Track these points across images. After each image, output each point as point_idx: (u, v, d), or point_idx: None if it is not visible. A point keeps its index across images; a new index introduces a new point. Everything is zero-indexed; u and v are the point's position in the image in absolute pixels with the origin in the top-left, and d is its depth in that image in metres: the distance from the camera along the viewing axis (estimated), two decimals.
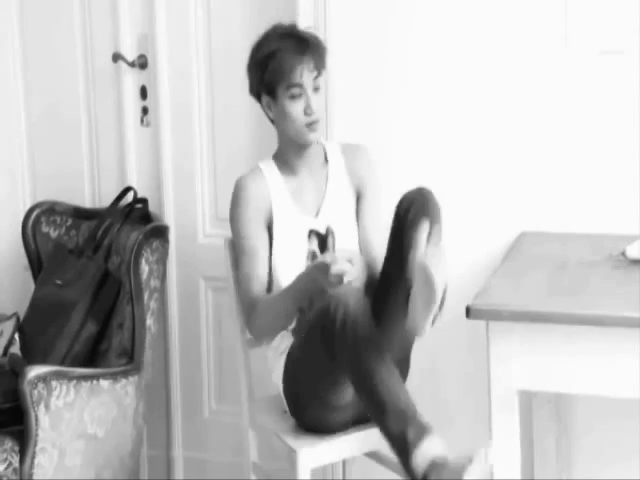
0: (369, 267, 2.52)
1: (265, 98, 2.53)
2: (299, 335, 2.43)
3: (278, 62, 2.46)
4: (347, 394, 2.32)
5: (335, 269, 2.23)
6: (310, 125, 2.47)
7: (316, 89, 2.49)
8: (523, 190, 2.77)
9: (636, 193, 2.61)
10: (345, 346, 2.15)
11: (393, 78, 2.87)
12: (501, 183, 2.78)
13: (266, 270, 2.51)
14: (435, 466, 2.03)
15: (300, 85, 2.46)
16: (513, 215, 2.71)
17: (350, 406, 2.37)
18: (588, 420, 2.74)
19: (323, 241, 2.56)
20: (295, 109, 2.47)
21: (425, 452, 2.05)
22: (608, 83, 2.67)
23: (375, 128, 2.89)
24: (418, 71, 2.84)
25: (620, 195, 2.61)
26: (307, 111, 2.46)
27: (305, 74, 2.46)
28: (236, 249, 2.58)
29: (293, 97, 2.47)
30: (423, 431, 2.07)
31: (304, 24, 2.73)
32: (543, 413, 2.69)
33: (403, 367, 2.44)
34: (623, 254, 2.31)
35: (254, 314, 2.46)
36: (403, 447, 2.08)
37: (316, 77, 2.48)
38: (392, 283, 2.32)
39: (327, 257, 2.31)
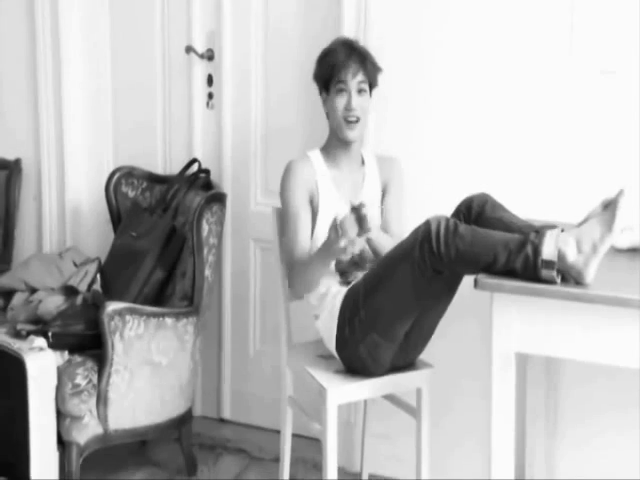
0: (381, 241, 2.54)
1: (323, 94, 2.63)
2: (373, 272, 2.40)
3: (333, 60, 2.57)
4: (405, 324, 2.37)
5: (343, 242, 2.26)
6: (348, 121, 2.55)
7: (360, 91, 2.56)
8: (528, 186, 2.74)
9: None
10: (458, 239, 2.13)
11: (422, 99, 2.85)
12: (507, 181, 2.74)
13: (307, 237, 2.57)
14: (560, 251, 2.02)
15: (345, 82, 2.55)
16: (518, 207, 2.50)
17: (398, 342, 2.41)
18: (572, 379, 2.75)
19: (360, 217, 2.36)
20: (339, 102, 2.56)
21: (550, 238, 2.04)
22: (607, 98, 2.63)
23: (405, 141, 2.88)
24: (441, 93, 2.83)
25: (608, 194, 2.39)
26: (347, 107, 2.55)
27: (351, 75, 2.55)
28: (283, 218, 2.63)
29: (339, 91, 2.56)
30: (542, 234, 2.05)
31: (347, 31, 2.86)
32: (535, 372, 2.70)
33: (431, 330, 2.52)
34: (612, 246, 2.24)
35: (293, 273, 2.53)
36: (532, 251, 2.04)
37: (361, 81, 2.55)
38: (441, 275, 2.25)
39: (342, 221, 2.28)
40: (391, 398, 2.71)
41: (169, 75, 3.33)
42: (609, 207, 2.05)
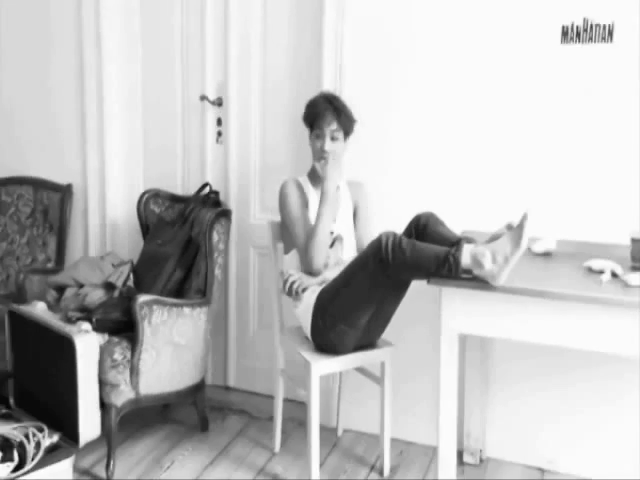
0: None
1: (309, 133, 2.60)
2: (341, 276, 2.35)
3: (313, 111, 2.56)
4: (366, 315, 2.33)
5: (289, 279, 2.41)
6: (320, 159, 2.53)
7: (333, 138, 2.52)
8: (465, 206, 2.69)
9: (540, 203, 2.56)
10: (401, 251, 2.12)
11: (385, 137, 2.81)
12: (448, 202, 2.69)
13: (308, 232, 2.49)
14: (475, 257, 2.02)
15: (321, 129, 2.53)
16: (455, 217, 2.57)
17: (362, 328, 2.37)
18: (502, 354, 2.75)
19: (334, 240, 2.57)
20: (316, 144, 2.56)
21: (466, 251, 2.05)
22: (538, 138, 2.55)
23: (371, 170, 2.84)
24: (401, 134, 2.78)
25: (524, 203, 2.46)
26: (321, 149, 2.52)
27: (326, 124, 2.52)
28: (289, 226, 2.55)
29: (317, 136, 2.55)
30: (460, 248, 2.06)
31: (327, 85, 2.82)
32: (473, 349, 2.69)
33: (388, 318, 2.49)
34: (529, 249, 2.34)
35: (310, 250, 2.44)
36: (453, 262, 2.04)
37: (334, 130, 2.51)
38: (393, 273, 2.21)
39: (286, 273, 2.45)
40: (361, 370, 2.71)
41: (188, 117, 3.31)
42: (515, 228, 2.03)
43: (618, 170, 2.51)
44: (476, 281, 2.07)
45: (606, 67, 2.45)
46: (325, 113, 2.51)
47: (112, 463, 2.59)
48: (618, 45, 2.41)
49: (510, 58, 2.60)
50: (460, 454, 2.68)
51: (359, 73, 2.82)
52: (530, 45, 2.55)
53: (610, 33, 2.39)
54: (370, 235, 2.54)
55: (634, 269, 2.19)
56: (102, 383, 2.55)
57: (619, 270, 2.12)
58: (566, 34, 2.46)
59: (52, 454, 2.26)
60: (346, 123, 2.55)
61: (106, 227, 3.37)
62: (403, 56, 2.74)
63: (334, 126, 2.52)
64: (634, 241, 2.23)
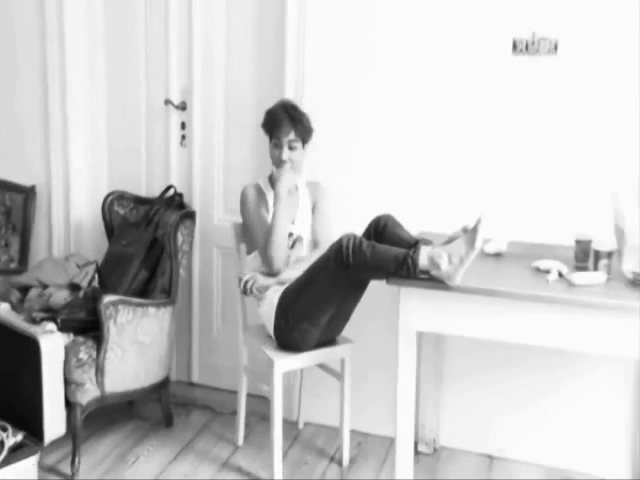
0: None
1: (269, 139, 2.57)
2: (303, 276, 2.34)
3: (272, 120, 2.52)
4: (327, 314, 2.33)
5: (245, 279, 2.41)
6: (278, 166, 2.51)
7: (290, 147, 2.49)
8: (421, 198, 2.70)
9: (492, 206, 2.54)
10: (361, 253, 2.12)
11: (343, 142, 2.80)
12: (406, 204, 2.68)
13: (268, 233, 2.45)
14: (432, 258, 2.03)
15: (279, 139, 2.50)
16: (412, 219, 2.56)
17: (323, 326, 2.37)
18: (455, 349, 2.76)
19: (294, 241, 2.57)
20: (274, 153, 2.54)
21: (424, 253, 2.06)
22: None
23: (331, 172, 2.82)
24: (358, 139, 2.78)
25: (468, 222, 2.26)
26: (279, 158, 2.50)
27: (284, 134, 2.49)
28: (248, 228, 2.55)
29: (275, 145, 2.53)
30: (418, 249, 2.07)
31: (289, 89, 2.80)
32: (428, 344, 2.70)
33: (348, 316, 2.49)
34: (482, 250, 2.34)
35: (268, 250, 2.42)
36: (411, 263, 2.05)
37: (292, 140, 2.48)
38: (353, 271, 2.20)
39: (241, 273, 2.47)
40: (321, 366, 2.70)
41: (152, 120, 3.24)
42: (470, 231, 2.05)
43: (564, 176, 2.55)
44: (433, 281, 2.08)
45: (551, 77, 2.51)
46: (283, 123, 2.48)
47: (77, 460, 2.54)
48: (562, 58, 2.48)
49: (465, 66, 2.62)
50: (415, 444, 2.69)
51: (320, 79, 2.81)
52: (484, 55, 2.58)
53: (555, 47, 2.45)
54: (329, 236, 2.53)
55: (578, 269, 2.22)
56: (67, 382, 2.49)
57: (564, 270, 2.15)
58: (516, 46, 2.50)
59: (16, 452, 2.20)
60: (304, 133, 2.52)
61: (70, 228, 3.29)
62: (363, 63, 2.74)
63: (292, 136, 2.50)
64: (578, 243, 2.27)
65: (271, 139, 2.54)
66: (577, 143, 2.52)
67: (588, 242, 2.24)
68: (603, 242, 2.17)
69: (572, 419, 2.64)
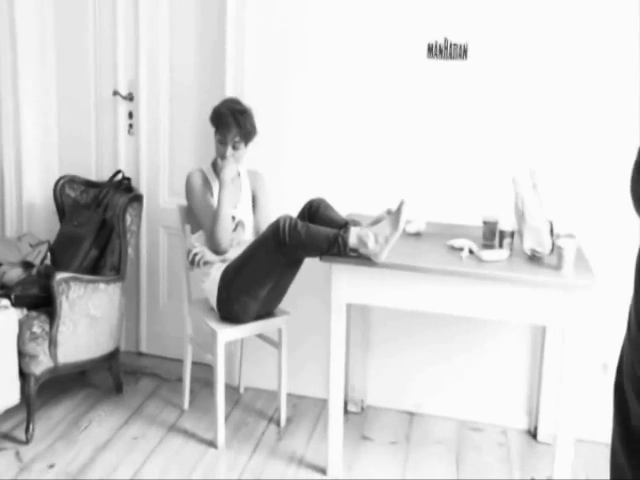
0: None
1: (214, 131, 2.50)
2: (244, 254, 2.32)
3: (218, 120, 2.45)
4: (265, 288, 2.31)
5: (193, 252, 2.40)
6: (222, 158, 2.45)
7: (234, 147, 2.44)
8: (350, 183, 2.69)
9: (412, 191, 2.59)
10: (296, 233, 2.12)
11: (281, 133, 2.75)
12: (337, 188, 2.67)
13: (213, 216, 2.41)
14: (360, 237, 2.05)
15: (224, 137, 2.43)
16: (342, 202, 2.57)
17: (262, 299, 2.35)
18: (379, 318, 2.77)
19: (236, 225, 2.52)
20: (218, 148, 2.47)
21: (353, 233, 2.07)
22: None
23: (270, 161, 2.78)
24: (294, 131, 2.75)
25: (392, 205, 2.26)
26: (223, 155, 2.45)
27: (230, 135, 2.43)
28: (196, 212, 2.49)
29: (219, 141, 2.46)
30: (348, 230, 2.08)
31: (229, 82, 2.76)
32: (356, 314, 2.69)
33: (285, 289, 2.47)
34: (404, 230, 2.34)
35: (215, 233, 2.39)
36: (342, 242, 2.06)
37: (237, 141, 2.43)
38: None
39: (191, 246, 2.43)
40: (260, 336, 2.69)
41: (101, 110, 3.16)
42: (395, 213, 2.07)
43: (473, 165, 2.59)
44: (361, 258, 2.11)
45: (462, 80, 2.54)
46: (229, 127, 2.41)
47: (31, 426, 2.49)
48: (471, 62, 2.52)
49: (386, 66, 2.63)
50: (345, 404, 2.68)
51: (258, 73, 2.77)
52: (403, 57, 2.60)
53: (465, 51, 2.48)
54: (267, 219, 2.49)
55: (485, 247, 2.27)
56: (21, 354, 2.44)
57: (475, 247, 2.20)
58: (431, 50, 2.53)
59: None
60: (248, 136, 2.47)
61: (23, 209, 3.17)
62: (297, 61, 2.71)
63: (237, 138, 2.45)
64: (485, 224, 2.31)
65: (216, 134, 2.48)
66: (484, 136, 2.55)
67: (495, 223, 2.29)
68: (506, 222, 2.22)
69: (480, 377, 2.70)
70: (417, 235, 2.44)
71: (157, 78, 3.03)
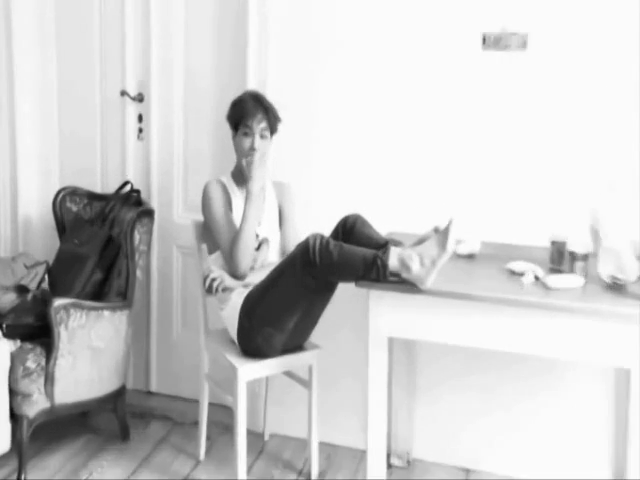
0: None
1: (233, 132, 2.53)
2: (268, 278, 2.33)
3: (242, 109, 2.49)
4: (293, 318, 2.32)
5: (210, 276, 2.39)
6: (247, 156, 2.47)
7: (262, 136, 2.48)
8: (391, 197, 2.71)
9: (464, 205, 2.61)
10: (328, 253, 2.12)
11: (310, 136, 2.79)
12: (370, 190, 2.71)
13: (233, 234, 2.45)
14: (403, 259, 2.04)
15: (251, 127, 2.47)
16: (382, 219, 2.58)
17: (289, 331, 2.36)
18: (427, 355, 2.76)
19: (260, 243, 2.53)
20: (244, 142, 2.49)
21: (394, 254, 2.06)
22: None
23: (297, 171, 2.80)
24: (326, 133, 2.78)
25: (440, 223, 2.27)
26: (251, 147, 2.47)
27: (256, 122, 2.47)
28: (210, 228, 2.50)
29: (245, 134, 2.49)
30: (387, 251, 2.08)
31: (251, 84, 2.79)
32: (399, 350, 2.69)
33: (316, 320, 2.48)
34: (454, 251, 2.33)
35: (234, 254, 2.41)
36: (381, 265, 2.06)
37: (264, 128, 2.47)
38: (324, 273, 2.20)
39: (207, 270, 2.44)
40: (288, 374, 2.69)
41: (107, 113, 3.22)
42: (442, 232, 2.07)
43: (538, 175, 2.56)
44: (403, 284, 2.08)
45: (520, 73, 2.53)
46: (255, 112, 2.47)
47: (23, 478, 2.52)
48: (531, 53, 2.51)
49: (435, 61, 2.63)
50: (387, 456, 2.70)
51: (284, 72, 2.80)
52: (454, 50, 2.60)
53: (524, 42, 2.49)
54: (296, 238, 2.51)
55: (553, 271, 2.22)
56: (13, 393, 2.48)
57: (540, 272, 2.15)
58: (486, 41, 2.54)
59: None
60: (274, 122, 2.52)
61: (18, 226, 3.25)
62: (329, 56, 2.73)
63: (263, 124, 2.49)
64: (553, 244, 2.26)
65: (237, 129, 2.51)
66: (550, 141, 2.53)
67: (563, 243, 2.24)
68: (579, 243, 2.17)
69: (550, 428, 2.64)
70: (470, 257, 2.42)
71: (170, 76, 3.08)
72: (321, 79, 2.75)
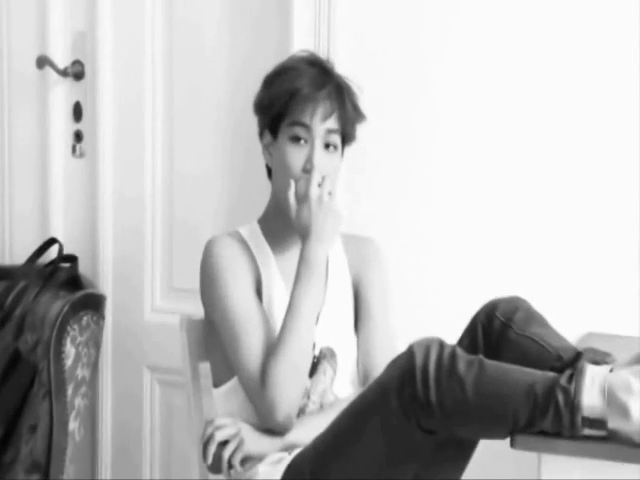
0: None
1: (266, 137, 1.95)
2: (337, 429, 1.80)
3: (291, 86, 1.92)
4: None
5: (214, 436, 1.86)
6: (297, 181, 1.94)
7: (328, 145, 1.92)
8: (590, 289, 2.32)
9: None
10: (454, 379, 1.65)
11: (411, 154, 2.37)
12: (567, 283, 2.32)
13: (266, 339, 1.92)
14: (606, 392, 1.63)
15: (308, 127, 1.90)
16: (579, 315, 2.24)
17: None
18: None
19: (315, 364, 2.02)
20: (294, 155, 1.90)
21: (594, 379, 1.62)
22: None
23: (384, 215, 2.43)
24: (446, 162, 2.38)
25: None
26: (307, 165, 1.89)
27: (319, 117, 1.91)
28: (223, 329, 1.96)
29: (296, 140, 1.90)
30: (580, 373, 1.63)
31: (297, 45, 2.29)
32: None
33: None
34: None
35: (266, 388, 1.92)
36: (565, 401, 1.60)
37: (332, 130, 1.92)
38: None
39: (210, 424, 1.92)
40: None
41: (9, 104, 2.64)
42: None
43: None
44: (609, 441, 1.62)
45: None
46: (317, 95, 1.91)
47: None
48: None
49: (590, 68, 2.23)
50: None
51: (363, 44, 2.37)
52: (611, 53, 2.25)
53: None
54: (390, 346, 2.02)
55: None
56: None
57: None
58: None
59: None
60: (352, 119, 1.96)
61: None
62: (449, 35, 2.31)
63: (333, 122, 1.92)
64: None
65: (280, 129, 1.94)
66: None
67: None
68: None
69: None
70: None
71: (139, 29, 2.49)
72: (416, 82, 2.38)
